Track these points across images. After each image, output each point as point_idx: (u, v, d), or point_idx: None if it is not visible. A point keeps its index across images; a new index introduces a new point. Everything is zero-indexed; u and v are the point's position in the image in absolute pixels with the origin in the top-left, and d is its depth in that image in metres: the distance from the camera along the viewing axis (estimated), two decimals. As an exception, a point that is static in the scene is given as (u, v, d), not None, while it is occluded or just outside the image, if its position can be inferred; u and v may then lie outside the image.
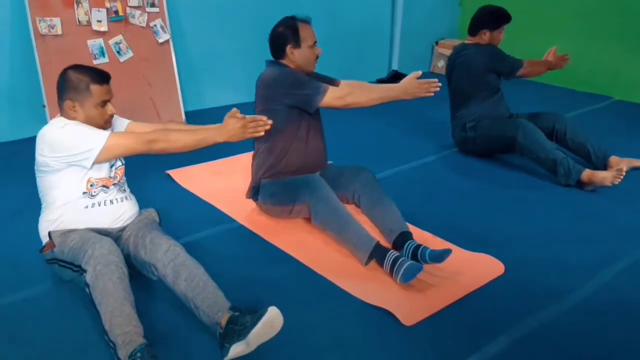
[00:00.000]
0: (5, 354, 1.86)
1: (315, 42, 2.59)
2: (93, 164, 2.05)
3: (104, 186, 2.14)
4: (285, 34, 2.56)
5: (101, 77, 2.09)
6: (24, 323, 2.01)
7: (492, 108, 3.48)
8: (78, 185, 2.09)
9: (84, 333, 1.93)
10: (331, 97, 2.47)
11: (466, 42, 3.56)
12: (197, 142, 2.13)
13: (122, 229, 2.19)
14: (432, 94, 2.41)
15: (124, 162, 2.25)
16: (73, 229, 2.08)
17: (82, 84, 2.05)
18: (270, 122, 2.17)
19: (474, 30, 3.48)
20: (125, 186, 2.28)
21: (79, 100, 2.06)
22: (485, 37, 3.44)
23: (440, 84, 2.41)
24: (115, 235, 2.15)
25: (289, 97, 2.52)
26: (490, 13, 3.44)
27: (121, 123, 2.28)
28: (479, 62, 3.44)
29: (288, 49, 2.56)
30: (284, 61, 2.60)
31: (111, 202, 2.16)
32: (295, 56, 2.57)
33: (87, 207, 2.11)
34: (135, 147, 2.07)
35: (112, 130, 2.17)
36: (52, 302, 2.12)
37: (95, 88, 2.06)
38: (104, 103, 2.09)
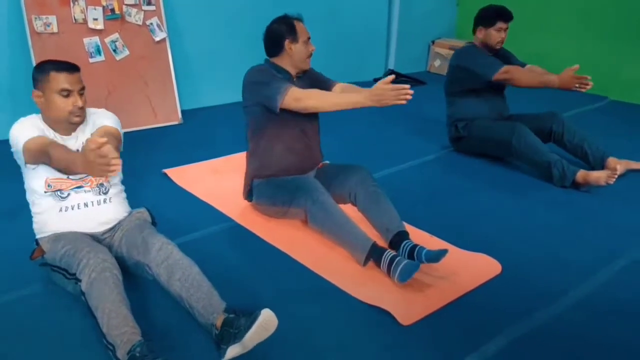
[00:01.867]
0: (3, 352, 1.85)
1: (309, 38, 2.60)
2: (25, 165, 2.03)
3: (67, 189, 2.08)
4: (281, 29, 2.57)
5: (63, 66, 2.03)
6: (20, 322, 2.00)
7: (484, 108, 3.48)
8: (38, 183, 2.06)
9: (80, 332, 1.92)
10: (290, 98, 2.44)
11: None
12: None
13: (110, 231, 2.16)
14: (405, 102, 2.22)
15: None
16: (58, 233, 2.06)
17: (44, 72, 2.02)
18: (411, 92, 2.17)
19: (473, 29, 3.49)
20: (111, 189, 2.18)
21: (42, 88, 2.03)
22: (480, 35, 3.44)
23: (412, 92, 2.19)
24: (102, 238, 2.13)
25: (254, 95, 2.56)
26: (485, 10, 3.44)
27: (100, 121, 2.16)
28: (453, 61, 3.50)
29: (286, 43, 2.56)
30: (277, 59, 2.61)
31: (85, 205, 2.10)
32: (293, 50, 2.57)
33: (61, 210, 2.08)
34: (48, 151, 1.92)
35: (87, 126, 2.13)
36: (48, 301, 2.11)
37: (54, 75, 2.00)
38: (65, 92, 2.01)
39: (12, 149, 2.06)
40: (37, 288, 2.18)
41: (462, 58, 3.46)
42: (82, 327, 1.93)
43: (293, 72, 2.63)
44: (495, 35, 3.38)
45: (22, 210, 2.29)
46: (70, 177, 2.08)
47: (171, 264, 1.93)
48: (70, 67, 2.04)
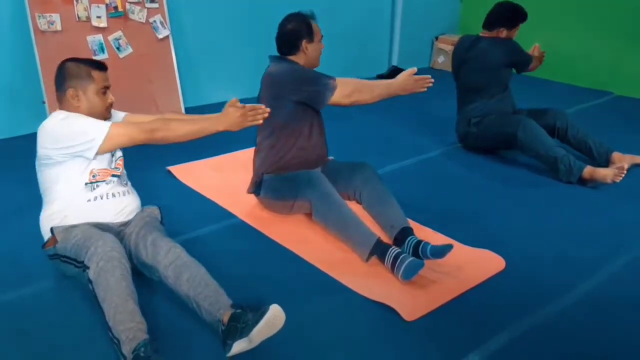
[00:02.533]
0: (9, 350, 1.87)
1: (322, 36, 2.63)
2: (96, 154, 2.06)
3: (104, 180, 2.14)
4: (299, 29, 2.56)
5: (99, 64, 2.16)
6: (28, 319, 2.01)
7: (499, 104, 3.47)
8: (80, 177, 2.09)
9: (87, 328, 1.93)
10: (339, 94, 2.48)
11: (481, 35, 3.51)
12: (197, 130, 2.15)
13: (124, 224, 2.19)
14: (426, 90, 2.49)
15: (122, 153, 2.27)
16: (75, 224, 2.08)
17: (83, 72, 2.10)
18: (268, 110, 2.19)
19: (490, 25, 3.45)
20: (127, 180, 2.29)
21: (82, 87, 2.09)
22: (502, 34, 3.43)
23: (432, 80, 2.47)
24: (116, 231, 2.14)
25: (298, 93, 2.52)
26: (509, 10, 3.41)
27: (118, 115, 2.30)
28: (498, 56, 3.40)
29: (303, 43, 2.57)
30: (293, 57, 2.60)
31: (113, 195, 2.17)
32: (309, 50, 2.58)
33: (89, 200, 2.12)
34: (136, 136, 2.08)
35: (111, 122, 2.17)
36: (55, 298, 2.12)
37: (96, 74, 2.11)
38: (105, 89, 2.14)
39: (63, 145, 2.02)
40: (44, 285, 2.19)
41: (514, 53, 3.44)
42: (86, 325, 1.94)
43: None
44: (515, 36, 3.47)
45: (22, 210, 2.30)
46: (110, 166, 2.17)
47: (179, 265, 1.94)
48: (105, 66, 2.17)
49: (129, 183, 2.30)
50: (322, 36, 2.63)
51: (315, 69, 2.64)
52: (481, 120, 3.47)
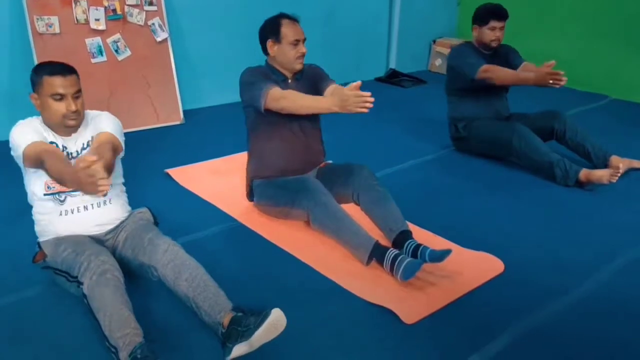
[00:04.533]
0: (6, 354, 1.86)
1: (299, 40, 2.56)
2: (25, 167, 2.03)
3: (66, 191, 2.06)
4: (265, 30, 2.60)
5: (57, 69, 2.00)
6: (25, 323, 2.01)
7: (484, 108, 3.47)
8: (39, 188, 2.06)
9: (84, 333, 1.93)
10: (270, 98, 2.45)
11: None
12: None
13: (113, 232, 2.16)
14: (367, 110, 2.18)
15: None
16: (60, 236, 2.07)
17: (38, 76, 2.00)
18: (372, 99, 2.14)
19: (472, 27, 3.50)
20: (110, 190, 2.11)
21: (38, 92, 2.02)
22: (475, 33, 3.45)
23: (373, 99, 2.15)
24: (105, 239, 2.13)
25: (243, 97, 2.59)
26: (480, 8, 3.43)
27: (101, 125, 2.12)
28: (447, 61, 3.55)
29: (268, 43, 2.58)
30: (269, 59, 2.64)
31: (85, 208, 2.10)
32: (275, 52, 2.58)
33: (60, 214, 2.08)
34: (47, 159, 1.90)
35: (87, 129, 2.12)
36: (53, 303, 2.12)
37: (45, 79, 1.98)
38: (58, 96, 1.98)
39: (12, 153, 2.05)
40: (39, 290, 2.18)
41: (453, 57, 3.50)
42: (85, 329, 1.94)
43: (286, 73, 2.63)
44: (489, 33, 3.38)
45: (24, 213, 2.29)
46: None
47: (178, 264, 1.93)
48: (65, 70, 2.00)
49: (111, 192, 2.15)
50: (299, 39, 2.55)
51: (295, 71, 2.62)
52: (468, 125, 3.49)
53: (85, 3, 3.76)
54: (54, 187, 2.06)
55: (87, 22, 3.79)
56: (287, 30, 2.55)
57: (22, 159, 2.00)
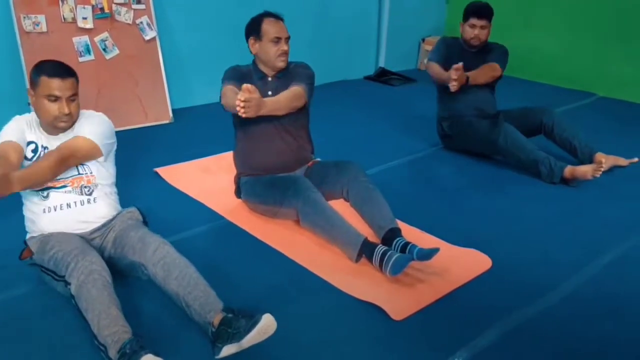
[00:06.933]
0: (-6, 354, 1.85)
1: (280, 38, 2.55)
2: None
3: (52, 187, 2.07)
4: (247, 27, 2.62)
5: (57, 71, 2.00)
6: (12, 322, 1.99)
7: (463, 105, 3.44)
8: None
9: (74, 331, 1.92)
10: (222, 96, 2.51)
11: None
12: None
13: (100, 231, 2.15)
14: (242, 111, 2.23)
15: (90, 172, 2.14)
16: (46, 233, 2.07)
17: (35, 75, 2.01)
18: (241, 102, 2.20)
19: None
20: (96, 190, 2.15)
21: (35, 90, 2.03)
22: (460, 29, 3.48)
23: (242, 102, 2.20)
24: (91, 238, 2.13)
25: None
26: (467, 5, 3.44)
27: (82, 129, 2.11)
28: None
29: (250, 41, 2.60)
30: (255, 57, 2.66)
31: (68, 205, 2.10)
32: (257, 49, 2.60)
33: (44, 211, 2.08)
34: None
35: (72, 130, 2.11)
36: (39, 302, 2.10)
37: (43, 79, 1.98)
38: (53, 97, 1.98)
39: None
40: (28, 288, 2.17)
41: (430, 53, 3.57)
42: (74, 327, 1.93)
43: (268, 71, 2.63)
44: (468, 31, 3.39)
45: (13, 209, 2.28)
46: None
47: (168, 262, 1.93)
48: (64, 73, 2.01)
49: (101, 193, 2.17)
50: (280, 37, 2.54)
51: (277, 70, 2.62)
52: (452, 123, 3.50)
53: (72, 1, 3.74)
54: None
55: (74, 20, 3.77)
56: (268, 28, 2.55)
57: None
